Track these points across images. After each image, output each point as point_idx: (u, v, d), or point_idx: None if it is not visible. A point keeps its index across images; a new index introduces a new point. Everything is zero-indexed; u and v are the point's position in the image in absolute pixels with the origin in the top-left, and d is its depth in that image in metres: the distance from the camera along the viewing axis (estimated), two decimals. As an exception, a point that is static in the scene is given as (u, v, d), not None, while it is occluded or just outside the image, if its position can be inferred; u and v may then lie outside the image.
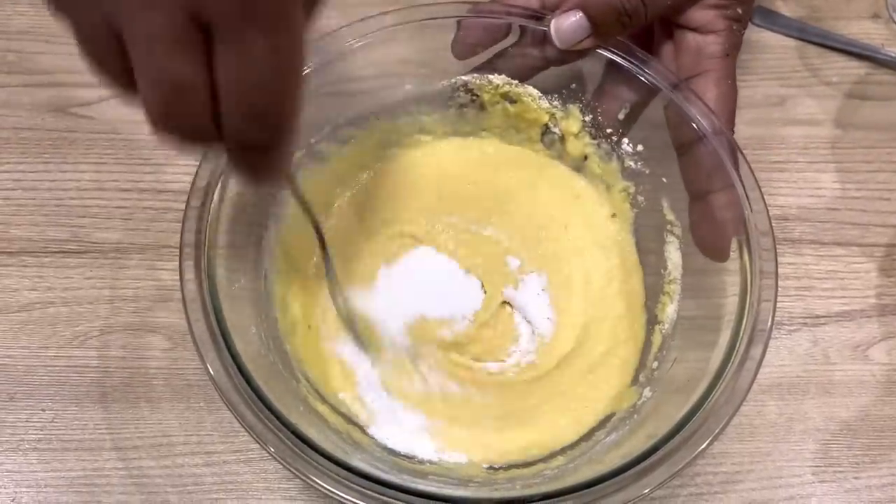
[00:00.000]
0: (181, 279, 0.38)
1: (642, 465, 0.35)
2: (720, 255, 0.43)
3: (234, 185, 0.41)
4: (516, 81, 0.48)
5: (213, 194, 0.40)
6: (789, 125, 0.57)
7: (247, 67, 0.25)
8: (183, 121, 0.27)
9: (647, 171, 0.48)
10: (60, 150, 0.54)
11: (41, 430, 0.46)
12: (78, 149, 0.54)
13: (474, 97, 0.50)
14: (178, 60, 0.25)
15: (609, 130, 0.48)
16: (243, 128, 0.27)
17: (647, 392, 0.43)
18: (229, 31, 0.25)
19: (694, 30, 0.46)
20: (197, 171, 0.41)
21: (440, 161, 0.51)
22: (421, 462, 0.42)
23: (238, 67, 0.25)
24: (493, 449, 0.43)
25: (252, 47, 0.25)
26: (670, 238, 0.47)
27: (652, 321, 0.47)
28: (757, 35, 0.61)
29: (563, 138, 0.50)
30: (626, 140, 0.48)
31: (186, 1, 0.24)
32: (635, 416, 0.42)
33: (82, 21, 0.26)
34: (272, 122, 0.27)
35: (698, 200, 0.44)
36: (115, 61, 0.26)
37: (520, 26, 0.46)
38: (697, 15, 0.45)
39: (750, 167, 0.42)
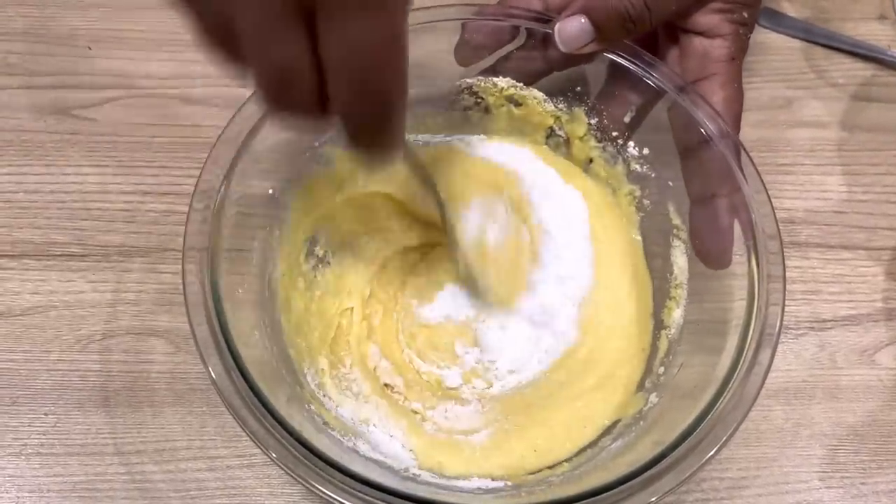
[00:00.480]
0: (184, 282, 0.38)
1: (649, 472, 0.35)
2: (721, 261, 0.43)
3: (237, 189, 0.41)
4: (521, 84, 0.48)
5: (216, 197, 0.40)
6: (795, 127, 0.57)
7: (351, 45, 0.26)
8: (293, 101, 0.28)
9: (653, 175, 0.48)
10: (63, 153, 0.53)
11: (44, 435, 0.45)
12: (80, 151, 0.53)
13: (479, 100, 0.50)
14: (284, 44, 0.26)
15: (615, 133, 0.48)
16: (354, 104, 0.28)
17: (653, 398, 0.43)
18: (332, 10, 0.25)
19: (700, 34, 0.46)
20: (200, 174, 0.41)
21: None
22: (420, 471, 0.42)
23: (343, 46, 0.26)
24: (497, 458, 0.43)
25: (355, 25, 0.25)
26: (676, 242, 0.47)
27: (658, 326, 0.46)
28: (763, 36, 0.60)
29: (568, 141, 0.50)
30: (631, 143, 0.48)
31: None
32: (641, 422, 0.42)
33: (198, 9, 0.27)
34: (381, 98, 0.28)
35: (701, 204, 0.44)
36: (229, 47, 0.27)
37: (525, 29, 0.46)
38: (703, 19, 0.45)
39: (756, 170, 0.42)
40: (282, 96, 0.28)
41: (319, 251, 0.48)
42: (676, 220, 0.46)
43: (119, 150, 0.54)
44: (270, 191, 0.45)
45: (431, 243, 0.50)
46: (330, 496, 0.34)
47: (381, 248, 0.49)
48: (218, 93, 0.56)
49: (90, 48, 0.57)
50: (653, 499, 0.34)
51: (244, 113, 0.42)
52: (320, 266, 0.48)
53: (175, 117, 0.55)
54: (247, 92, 0.42)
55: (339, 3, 0.25)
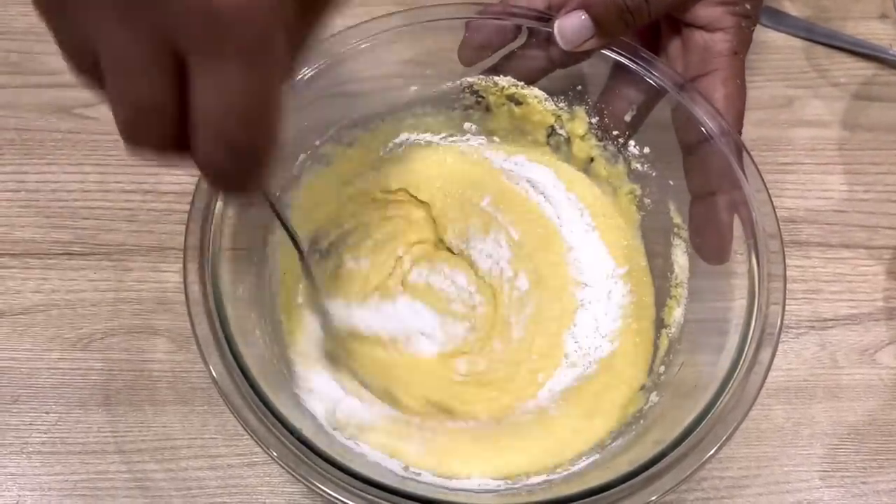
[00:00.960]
0: (185, 282, 0.38)
1: (650, 471, 0.35)
2: (720, 257, 0.42)
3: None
4: (522, 83, 0.48)
5: (217, 196, 0.40)
6: (796, 126, 0.57)
7: (219, 99, 0.25)
8: (149, 139, 0.27)
9: (654, 174, 0.48)
10: (64, 151, 0.53)
11: (45, 433, 0.45)
12: (82, 150, 0.54)
13: (480, 99, 0.50)
14: (146, 84, 0.25)
15: (615, 132, 0.48)
16: (214, 156, 0.27)
17: (653, 397, 0.43)
18: (202, 60, 0.24)
19: (701, 27, 0.45)
20: (201, 173, 0.41)
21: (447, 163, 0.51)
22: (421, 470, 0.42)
23: (210, 97, 0.25)
24: (498, 460, 0.42)
25: (225, 79, 0.24)
26: (677, 241, 0.46)
27: (659, 325, 0.46)
28: (764, 35, 0.60)
29: (568, 140, 0.50)
30: (632, 142, 0.48)
31: (161, 27, 0.24)
32: (641, 421, 0.42)
33: (64, 29, 0.26)
34: (242, 155, 0.27)
35: (701, 200, 0.44)
36: (91, 70, 0.26)
37: (528, 28, 0.46)
38: (704, 12, 0.45)
39: (757, 169, 0.42)
40: (138, 134, 0.27)
41: (324, 247, 0.48)
42: (677, 219, 0.46)
43: (120, 149, 0.52)
44: (271, 189, 0.45)
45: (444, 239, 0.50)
46: (330, 495, 0.34)
47: (391, 243, 0.49)
48: (219, 92, 0.55)
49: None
50: (653, 497, 0.34)
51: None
52: (323, 264, 0.48)
53: (176, 116, 0.55)
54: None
55: (208, 54, 0.24)
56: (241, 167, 0.27)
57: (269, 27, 0.24)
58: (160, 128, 0.26)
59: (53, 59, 0.57)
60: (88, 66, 0.26)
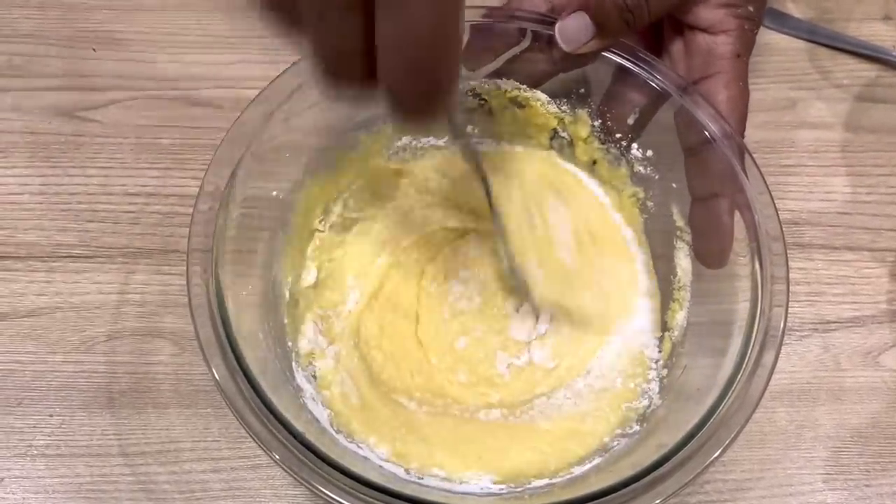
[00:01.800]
0: (188, 284, 0.38)
1: (653, 474, 0.35)
2: (720, 261, 0.42)
3: (241, 190, 0.41)
4: (525, 86, 0.48)
5: (220, 199, 0.40)
6: (800, 128, 0.57)
7: (406, 26, 0.26)
8: (345, 73, 0.29)
9: (657, 177, 0.48)
10: (68, 154, 0.54)
11: (49, 436, 0.45)
12: (85, 153, 0.54)
13: (482, 102, 0.50)
14: (341, 20, 0.27)
15: (618, 135, 0.48)
16: (404, 83, 0.28)
17: (656, 400, 0.43)
18: None
19: (704, 30, 0.45)
20: (205, 176, 0.41)
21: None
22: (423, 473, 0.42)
23: (398, 26, 0.26)
24: (502, 463, 0.43)
25: (411, 6, 0.26)
26: (680, 244, 0.46)
27: (662, 328, 0.46)
28: (767, 37, 0.60)
29: (571, 143, 0.50)
30: (635, 145, 0.48)
31: None
32: (645, 424, 0.42)
33: None
34: (431, 79, 0.28)
35: (702, 203, 0.44)
36: (287, 15, 0.28)
37: (531, 32, 0.46)
38: (707, 14, 0.45)
39: (760, 171, 0.42)
40: (336, 69, 0.29)
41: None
42: (680, 223, 0.46)
43: (124, 152, 0.54)
44: (275, 192, 0.45)
45: (463, 228, 0.50)
46: (333, 498, 0.34)
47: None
48: (222, 94, 0.56)
49: (95, 50, 0.57)
50: (657, 501, 0.34)
51: (248, 114, 0.42)
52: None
53: (180, 119, 0.55)
54: (251, 93, 0.43)
55: None
56: (428, 89, 0.29)
57: None
58: (355, 58, 0.28)
59: (57, 61, 0.57)
60: (282, 5, 0.28)
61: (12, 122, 0.54)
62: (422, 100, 0.29)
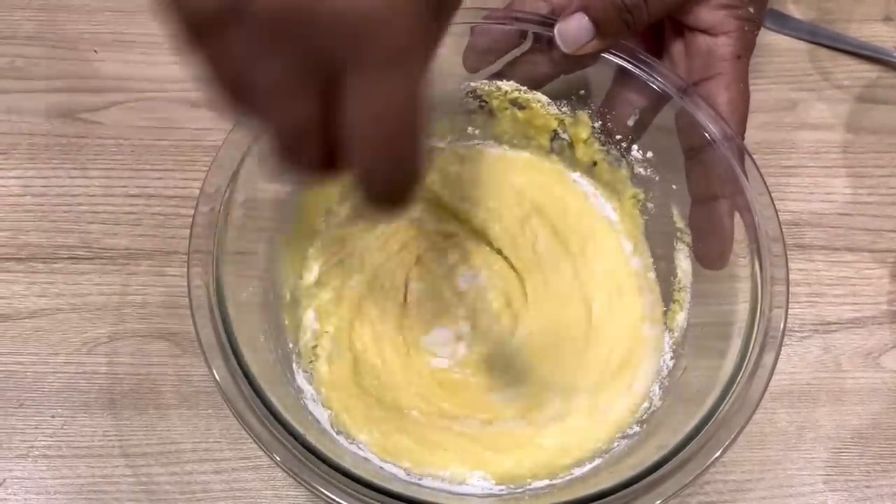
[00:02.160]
0: (189, 286, 0.38)
1: (653, 476, 0.35)
2: (719, 262, 0.42)
3: (242, 192, 0.41)
4: (525, 87, 0.48)
5: (221, 200, 0.40)
6: (800, 129, 0.57)
7: (375, 108, 0.25)
8: (305, 159, 0.28)
9: (657, 178, 0.48)
10: (69, 156, 0.54)
11: (51, 437, 0.46)
12: (87, 154, 0.54)
13: (483, 103, 0.50)
14: (301, 104, 0.26)
15: (618, 137, 0.48)
16: (376, 166, 0.27)
17: (657, 401, 0.43)
18: (354, 72, 0.25)
19: (704, 31, 0.45)
20: (205, 177, 0.41)
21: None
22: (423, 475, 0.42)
23: (366, 108, 0.25)
24: (503, 464, 0.43)
25: (378, 88, 0.25)
26: (680, 245, 0.47)
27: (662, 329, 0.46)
28: (768, 38, 0.60)
29: (572, 144, 0.50)
30: (635, 146, 0.48)
31: (310, 48, 0.24)
32: (645, 425, 0.42)
33: (213, 62, 0.26)
34: (402, 161, 0.27)
35: (702, 205, 0.44)
36: (242, 98, 0.27)
37: (532, 33, 0.46)
38: (707, 16, 0.45)
39: (760, 172, 0.42)
40: (294, 154, 0.27)
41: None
42: (680, 224, 0.46)
43: (125, 154, 0.54)
44: (276, 194, 0.45)
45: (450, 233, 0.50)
46: (333, 499, 0.34)
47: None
48: (223, 96, 0.56)
49: (96, 52, 0.58)
50: (657, 502, 0.34)
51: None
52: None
53: (181, 120, 0.55)
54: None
55: (365, 63, 0.25)
56: (402, 175, 0.28)
57: (413, 31, 0.25)
58: (313, 148, 0.27)
59: (58, 63, 0.57)
60: (240, 94, 0.26)
61: (14, 124, 0.55)
62: (398, 187, 0.28)
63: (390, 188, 0.28)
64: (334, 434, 0.41)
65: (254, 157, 0.41)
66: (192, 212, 0.40)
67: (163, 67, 0.57)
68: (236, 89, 0.26)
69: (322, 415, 0.42)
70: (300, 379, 0.44)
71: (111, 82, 0.56)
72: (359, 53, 0.24)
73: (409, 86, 0.26)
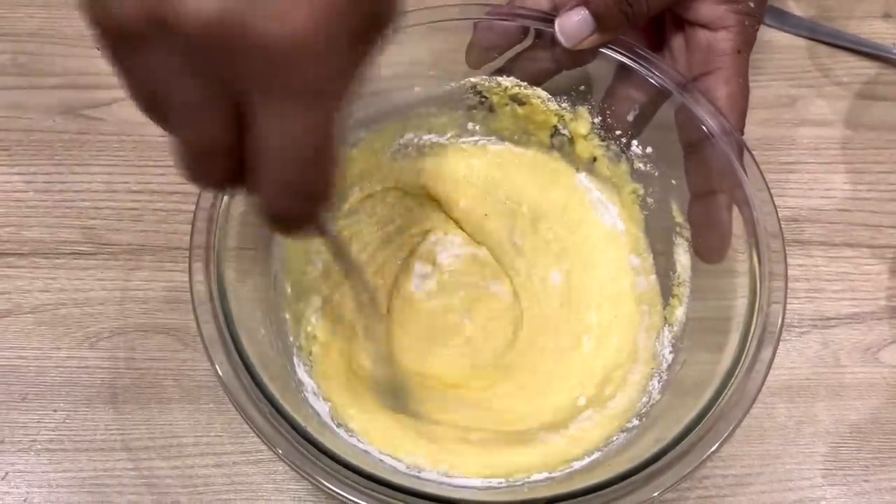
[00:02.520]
0: (190, 281, 0.38)
1: (650, 468, 0.35)
2: (717, 256, 0.43)
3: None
4: (525, 83, 0.48)
5: (222, 196, 0.40)
6: (800, 126, 0.57)
7: (282, 139, 0.25)
8: (208, 176, 0.28)
9: (657, 174, 0.48)
10: (72, 152, 0.54)
11: (53, 431, 0.46)
12: (89, 150, 0.54)
13: (483, 99, 0.50)
14: (207, 124, 0.26)
15: (618, 132, 0.48)
16: (277, 196, 0.28)
17: (655, 395, 0.43)
18: (264, 101, 0.25)
19: (704, 26, 0.45)
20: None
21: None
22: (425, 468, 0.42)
23: (273, 138, 0.26)
24: (500, 464, 0.42)
25: (287, 119, 0.25)
26: (679, 241, 0.47)
27: (661, 324, 0.47)
28: (768, 35, 0.60)
29: (572, 140, 0.50)
30: (635, 142, 0.48)
31: (223, 70, 0.25)
32: (643, 419, 0.42)
33: (130, 73, 0.26)
34: (307, 191, 0.28)
35: (700, 199, 0.44)
36: (156, 109, 0.27)
37: (535, 30, 0.46)
38: (707, 10, 0.45)
39: (759, 168, 0.42)
40: (198, 171, 0.28)
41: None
42: (679, 219, 0.47)
43: (127, 150, 0.54)
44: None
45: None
46: (336, 492, 0.34)
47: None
48: (225, 92, 0.56)
49: (98, 48, 0.58)
50: (654, 494, 0.34)
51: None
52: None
53: (182, 117, 0.55)
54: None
55: (276, 92, 0.25)
56: (304, 206, 0.28)
57: (328, 63, 0.25)
58: (219, 166, 0.27)
59: (61, 60, 0.57)
60: (153, 105, 0.27)
61: (17, 121, 0.55)
62: (296, 214, 0.28)
63: (288, 215, 0.28)
64: (335, 427, 0.42)
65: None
66: (193, 207, 0.40)
67: (164, 64, 0.57)
68: (150, 100, 0.26)
69: (322, 408, 0.43)
70: (301, 372, 0.44)
71: (113, 79, 0.55)
72: (271, 81, 0.25)
73: (318, 117, 0.26)
